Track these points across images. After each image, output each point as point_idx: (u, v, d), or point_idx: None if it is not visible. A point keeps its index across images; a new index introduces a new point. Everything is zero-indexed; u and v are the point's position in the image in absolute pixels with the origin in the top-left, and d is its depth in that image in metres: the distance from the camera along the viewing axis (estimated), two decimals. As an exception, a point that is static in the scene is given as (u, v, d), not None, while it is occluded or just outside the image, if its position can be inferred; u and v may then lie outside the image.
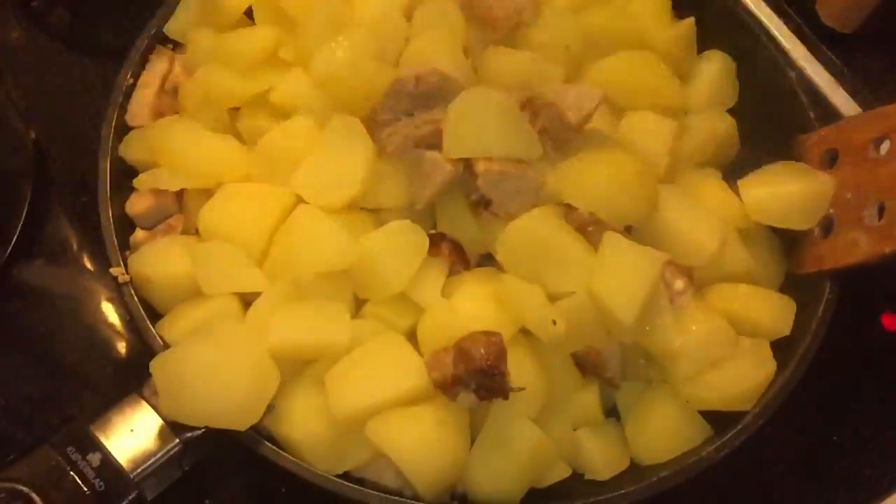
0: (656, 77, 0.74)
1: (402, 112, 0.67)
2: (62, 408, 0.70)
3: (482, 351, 0.57)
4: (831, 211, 0.68)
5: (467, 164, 0.64)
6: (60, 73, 0.87)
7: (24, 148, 0.78)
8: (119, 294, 0.73)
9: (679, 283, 0.64)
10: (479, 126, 0.63)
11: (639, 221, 0.65)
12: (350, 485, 0.58)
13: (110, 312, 0.75)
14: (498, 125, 0.63)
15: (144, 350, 0.63)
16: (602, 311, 0.60)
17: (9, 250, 0.74)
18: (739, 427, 0.61)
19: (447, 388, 0.58)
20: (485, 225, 0.65)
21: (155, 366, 0.56)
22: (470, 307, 0.62)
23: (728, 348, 0.63)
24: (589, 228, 0.64)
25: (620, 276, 0.60)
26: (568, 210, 0.64)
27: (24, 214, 0.76)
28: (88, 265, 0.77)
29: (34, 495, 0.54)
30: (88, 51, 0.88)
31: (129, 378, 0.70)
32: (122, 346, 0.74)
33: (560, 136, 0.67)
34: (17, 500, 0.53)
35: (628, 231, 0.65)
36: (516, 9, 0.74)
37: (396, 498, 0.58)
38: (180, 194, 0.69)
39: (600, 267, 0.61)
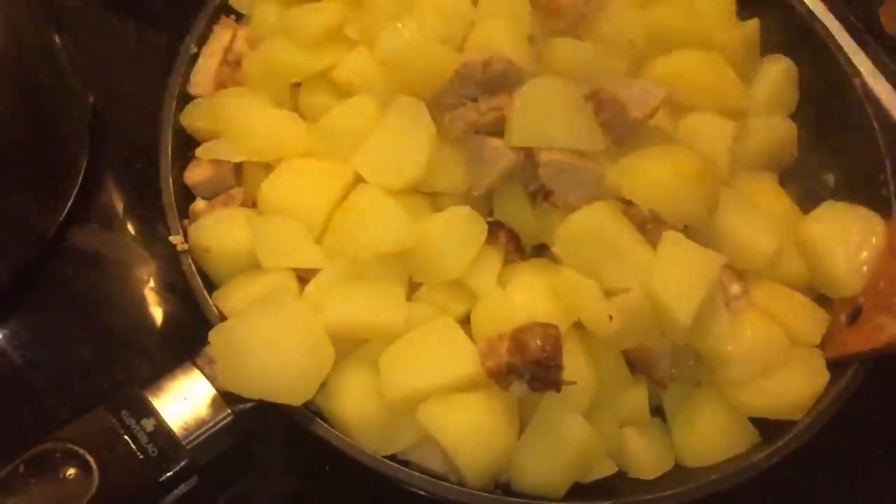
0: (720, 78, 0.73)
1: (467, 97, 0.66)
2: (110, 372, 0.71)
3: (539, 342, 0.57)
4: (861, 300, 0.67)
5: (529, 153, 0.64)
6: (115, 39, 0.87)
7: (83, 113, 0.78)
8: (170, 262, 0.75)
9: (735, 288, 0.64)
10: (544, 116, 0.63)
11: (698, 222, 0.64)
12: (398, 466, 0.58)
13: (161, 280, 0.75)
14: (563, 116, 0.63)
15: (196, 319, 0.64)
16: (659, 310, 0.60)
17: (64, 214, 0.75)
18: (791, 435, 0.60)
19: (500, 376, 0.58)
20: (542, 216, 0.65)
21: (214, 336, 0.57)
22: (525, 297, 0.62)
23: (781, 356, 0.63)
24: (648, 226, 0.64)
25: (679, 276, 0.60)
26: (627, 206, 0.64)
27: (80, 178, 0.76)
28: (141, 232, 0.78)
29: (89, 457, 0.54)
30: (142, 18, 0.88)
31: (178, 346, 0.72)
32: (171, 314, 0.74)
33: (621, 130, 0.66)
34: (72, 461, 0.54)
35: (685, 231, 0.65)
36: (583, 0, 0.74)
37: (442, 482, 0.58)
38: (238, 166, 0.69)
39: (659, 265, 0.60)
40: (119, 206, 0.79)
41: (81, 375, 0.71)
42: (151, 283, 0.75)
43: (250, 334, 0.56)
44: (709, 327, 0.62)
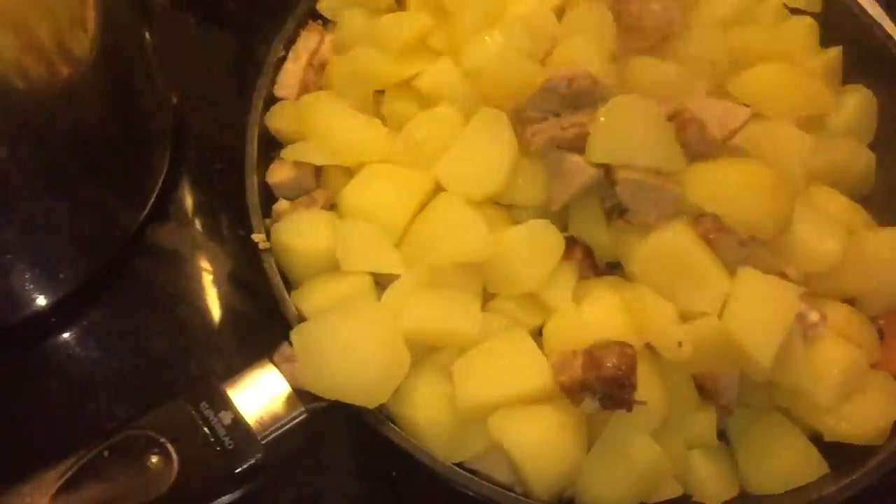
0: (804, 84, 0.72)
1: (550, 112, 0.67)
2: (184, 365, 0.73)
3: (615, 361, 0.57)
4: (881, 322, 0.67)
5: (607, 170, 0.64)
6: (193, 41, 0.89)
7: (167, 113, 0.80)
8: (244, 261, 0.76)
9: (813, 315, 0.63)
10: (626, 133, 0.63)
11: (768, 234, 0.63)
12: (470, 475, 0.59)
13: (235, 278, 0.77)
14: (645, 135, 0.63)
15: (267, 316, 0.65)
16: (737, 351, 0.59)
17: (146, 211, 0.77)
18: (866, 469, 0.60)
19: (573, 392, 0.58)
20: (616, 233, 0.65)
21: (295, 335, 0.58)
22: (599, 314, 0.62)
23: (862, 378, 0.62)
24: (711, 235, 0.63)
25: (758, 317, 0.59)
26: (695, 221, 0.63)
27: (162, 177, 0.78)
28: (217, 231, 0.79)
29: (169, 446, 0.55)
30: (218, 21, 0.91)
31: (250, 342, 0.74)
32: (244, 311, 0.76)
33: (699, 149, 0.66)
34: (153, 448, 0.55)
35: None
36: (667, 21, 0.74)
37: (512, 494, 0.59)
38: (319, 168, 0.70)
39: (737, 304, 0.59)
40: (197, 205, 0.81)
41: (156, 367, 0.72)
42: (226, 281, 0.77)
43: (330, 335, 0.57)
44: (789, 362, 0.60)
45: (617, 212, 0.65)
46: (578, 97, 0.66)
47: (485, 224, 0.62)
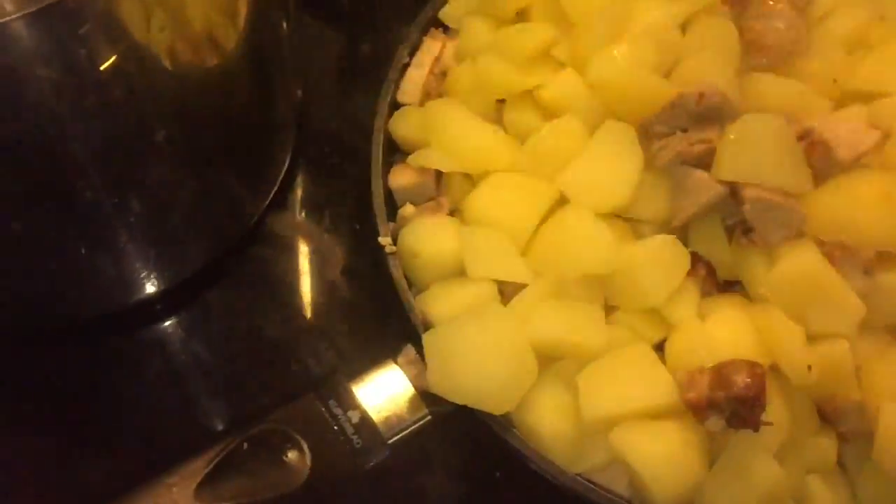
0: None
1: (678, 127, 0.66)
2: (298, 353, 0.74)
3: (745, 380, 0.57)
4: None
5: (733, 188, 0.63)
6: (312, 37, 0.91)
7: (293, 104, 0.82)
8: (360, 254, 0.79)
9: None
10: (755, 152, 0.62)
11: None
12: (595, 486, 0.59)
13: (350, 270, 0.79)
14: (775, 154, 0.63)
15: (382, 310, 0.68)
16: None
17: (269, 199, 0.79)
18: None
19: (700, 410, 0.58)
20: (739, 252, 0.65)
21: (428, 340, 0.59)
22: (724, 332, 0.61)
23: None
24: (836, 253, 0.62)
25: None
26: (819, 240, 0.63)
27: (285, 167, 0.80)
28: (334, 223, 0.81)
29: (302, 441, 0.57)
30: (334, 18, 0.93)
31: (363, 333, 0.76)
32: (358, 303, 0.78)
33: (825, 171, 0.66)
34: (287, 444, 0.57)
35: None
36: (791, 39, 0.73)
37: (632, 508, 0.59)
38: (440, 174, 0.71)
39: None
40: (314, 197, 0.83)
41: (270, 354, 0.75)
42: (340, 273, 0.79)
43: (462, 341, 0.58)
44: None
45: (740, 230, 0.65)
46: (707, 113, 0.66)
47: (614, 237, 0.62)
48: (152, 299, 0.75)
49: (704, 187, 0.64)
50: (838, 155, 0.64)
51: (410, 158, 0.69)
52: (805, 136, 0.66)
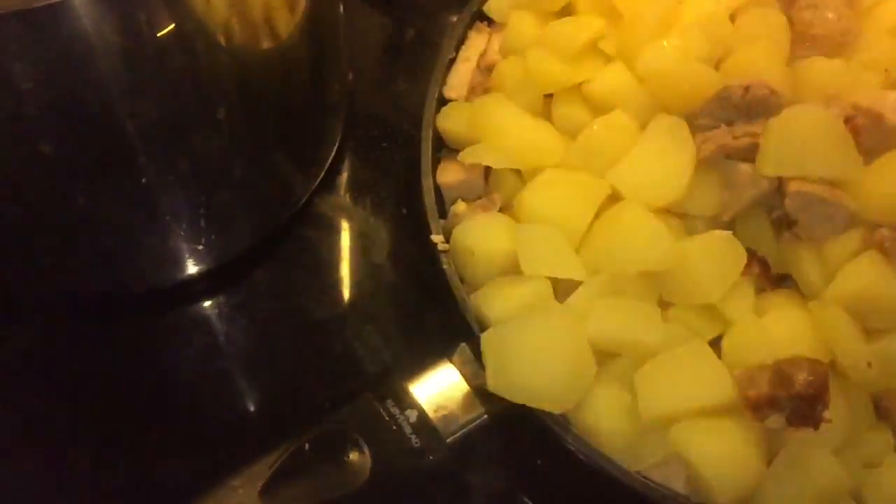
0: None
1: (723, 120, 0.66)
2: (343, 337, 0.75)
3: (808, 378, 0.56)
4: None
5: (779, 181, 0.63)
6: (362, 22, 0.93)
7: (344, 87, 0.83)
8: (405, 238, 0.79)
9: None
10: (799, 144, 0.62)
11: None
12: (656, 485, 0.58)
13: (395, 254, 0.80)
14: (820, 145, 0.62)
15: (426, 294, 0.69)
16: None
17: (318, 181, 0.80)
18: None
19: (760, 408, 0.58)
20: (785, 246, 0.64)
21: (486, 339, 0.58)
22: (781, 328, 0.61)
23: None
24: (886, 244, 0.61)
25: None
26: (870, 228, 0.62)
27: (335, 149, 0.81)
28: (380, 207, 0.82)
29: (363, 442, 0.57)
30: (379, 3, 0.95)
31: (406, 316, 0.77)
32: (402, 286, 0.78)
33: (876, 145, 0.64)
34: (347, 444, 0.57)
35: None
36: (841, 29, 0.72)
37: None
38: (488, 171, 0.70)
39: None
40: (361, 180, 0.84)
41: (315, 334, 0.75)
42: (385, 256, 0.79)
43: (520, 340, 0.58)
44: None
45: (784, 224, 0.64)
46: (753, 106, 0.65)
47: (670, 233, 0.62)
48: (199, 277, 0.76)
49: (750, 182, 0.63)
50: (889, 122, 0.63)
51: (462, 155, 0.68)
52: (853, 117, 0.64)
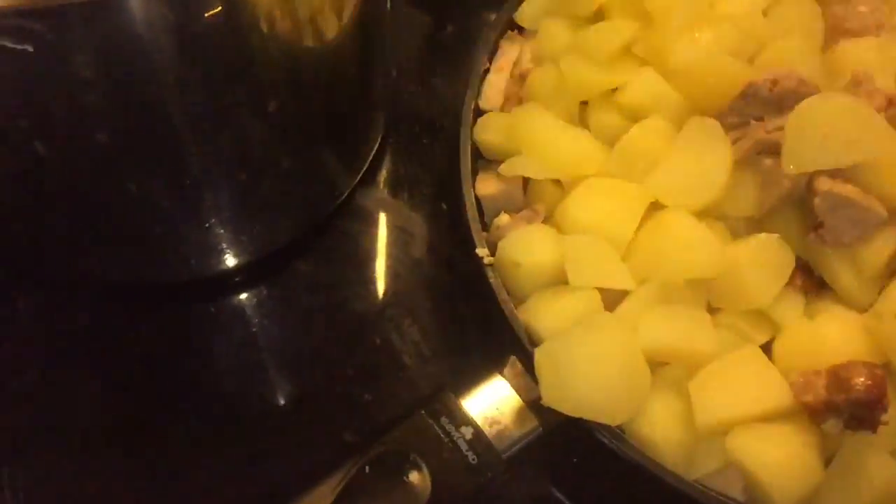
0: None
1: (752, 116, 0.65)
2: (382, 330, 0.76)
3: (866, 382, 0.56)
4: None
5: (809, 179, 0.62)
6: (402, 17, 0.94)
7: (388, 82, 0.84)
8: (445, 233, 0.81)
9: None
10: (822, 135, 0.60)
11: None
12: (712, 493, 0.58)
13: (435, 248, 0.81)
14: (847, 131, 0.59)
15: (464, 287, 0.70)
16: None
17: (360, 175, 0.81)
18: None
19: (818, 413, 0.58)
20: (815, 248, 0.62)
21: (540, 354, 0.58)
22: (833, 332, 0.61)
23: None
24: None
25: None
26: None
27: (377, 144, 0.82)
28: (420, 203, 0.83)
29: (421, 462, 0.57)
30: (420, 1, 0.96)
31: (444, 309, 0.78)
32: (441, 280, 0.79)
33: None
34: (405, 463, 0.57)
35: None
36: (875, 23, 0.72)
37: (754, 511, 0.59)
38: (527, 181, 0.70)
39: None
40: (403, 175, 0.85)
41: (353, 327, 0.77)
42: (426, 251, 0.81)
43: (574, 353, 0.57)
44: None
45: (811, 225, 0.62)
46: (783, 99, 0.64)
47: (717, 239, 0.62)
48: (240, 268, 0.77)
49: (781, 179, 0.62)
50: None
51: (502, 168, 0.68)
52: (891, 105, 0.63)
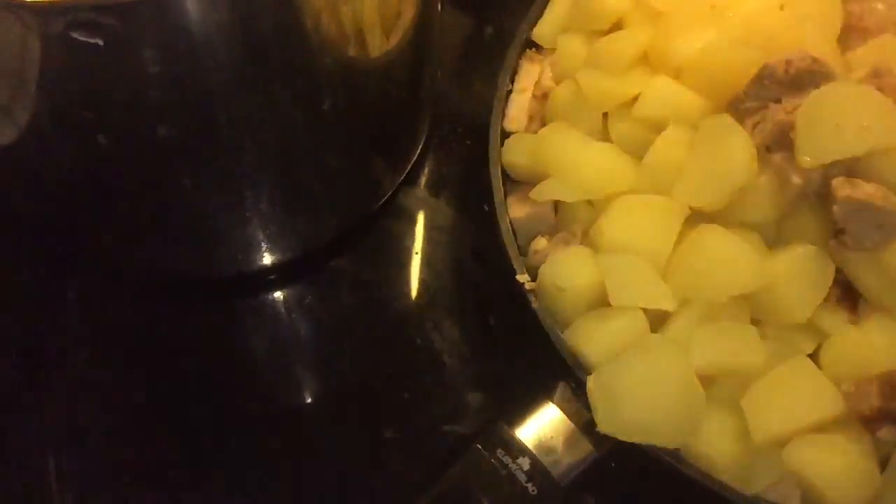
0: None
1: (770, 99, 0.63)
2: (423, 329, 0.77)
3: (918, 388, 0.57)
4: None
5: (825, 181, 0.60)
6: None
7: (433, 82, 0.84)
8: (486, 234, 0.76)
9: None
10: (836, 126, 0.59)
11: None
12: (778, 507, 0.59)
13: (475, 249, 0.82)
14: (859, 118, 0.59)
15: (502, 290, 0.69)
16: None
17: (404, 174, 0.81)
18: None
19: (872, 421, 0.58)
20: (836, 254, 0.61)
21: (593, 381, 0.58)
22: (880, 338, 0.61)
23: None
24: None
25: None
26: None
27: (421, 144, 0.82)
28: (462, 203, 0.84)
29: (482, 497, 0.56)
30: (461, 2, 0.97)
31: (484, 310, 0.80)
32: (482, 283, 0.80)
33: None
34: (468, 501, 0.56)
35: None
36: (892, 21, 0.72)
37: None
38: (557, 201, 0.70)
39: None
40: (445, 175, 0.86)
41: (394, 326, 0.78)
42: (466, 251, 0.82)
43: (628, 378, 0.57)
44: None
45: (831, 231, 0.61)
46: (799, 80, 0.63)
47: (757, 254, 0.61)
48: (283, 265, 0.78)
49: (796, 175, 0.61)
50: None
51: (533, 193, 0.67)
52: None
